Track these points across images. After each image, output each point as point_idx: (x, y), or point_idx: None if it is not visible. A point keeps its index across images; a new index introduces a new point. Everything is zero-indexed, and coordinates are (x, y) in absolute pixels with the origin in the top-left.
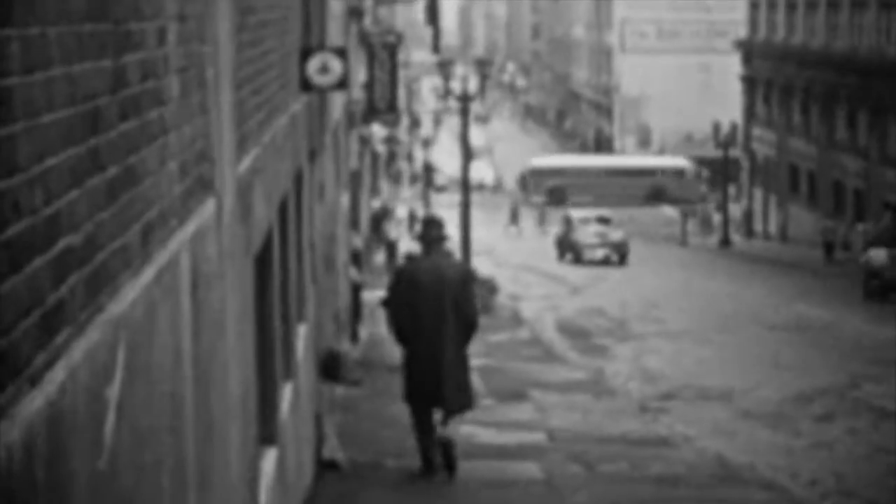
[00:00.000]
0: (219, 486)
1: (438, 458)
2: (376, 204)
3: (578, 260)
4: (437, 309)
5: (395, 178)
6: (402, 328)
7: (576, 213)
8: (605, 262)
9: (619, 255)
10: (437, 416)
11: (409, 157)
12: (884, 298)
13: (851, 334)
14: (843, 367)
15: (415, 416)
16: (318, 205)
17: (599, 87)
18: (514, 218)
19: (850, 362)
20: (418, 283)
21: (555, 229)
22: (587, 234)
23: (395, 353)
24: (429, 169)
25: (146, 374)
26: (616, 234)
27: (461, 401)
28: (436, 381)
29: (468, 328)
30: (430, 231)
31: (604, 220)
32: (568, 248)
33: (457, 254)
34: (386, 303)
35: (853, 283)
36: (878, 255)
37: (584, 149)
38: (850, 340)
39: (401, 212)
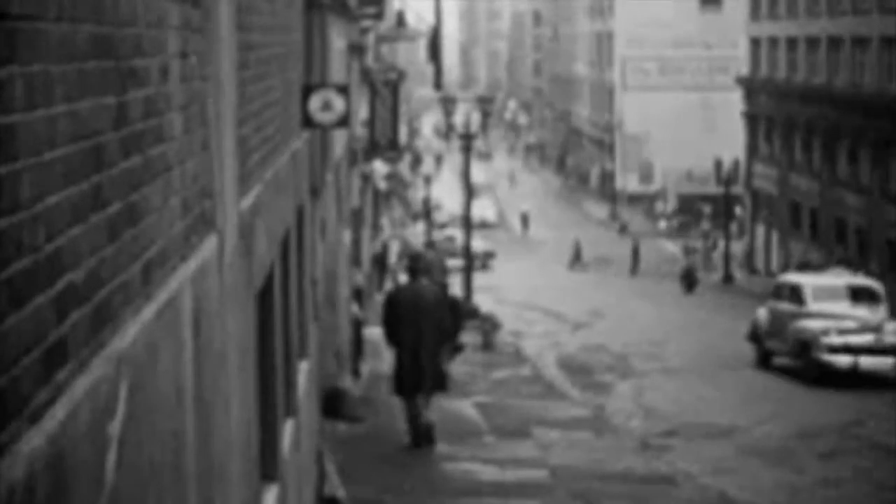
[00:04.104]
0: None
1: (423, 437)
2: (383, 238)
3: (810, 369)
4: (415, 324)
5: (409, 213)
6: (392, 337)
7: (809, 281)
8: (869, 376)
9: None
10: (424, 413)
11: (404, 197)
12: None
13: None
14: (847, 404)
15: (405, 403)
16: (320, 241)
17: (601, 124)
18: (578, 256)
19: (853, 399)
20: (401, 304)
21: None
22: (836, 324)
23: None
24: (428, 205)
25: (148, 411)
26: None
27: (436, 384)
28: (416, 375)
29: (443, 336)
30: (416, 264)
31: (866, 294)
32: (786, 342)
33: (457, 289)
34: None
35: None
36: None
37: (583, 185)
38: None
39: (396, 246)
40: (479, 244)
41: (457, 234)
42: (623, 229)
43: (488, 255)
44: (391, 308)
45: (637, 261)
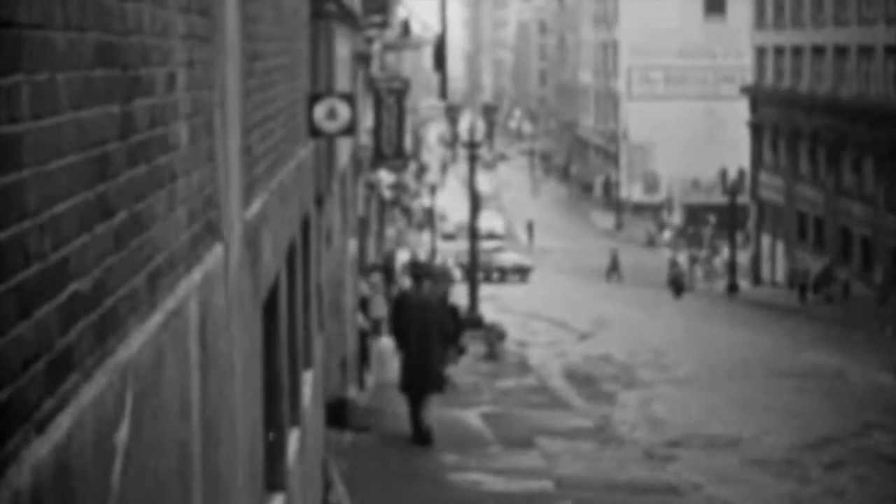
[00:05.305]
0: None
1: (423, 437)
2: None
3: None
4: (422, 326)
5: (411, 223)
6: (400, 340)
7: None
8: None
9: None
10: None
11: (405, 208)
12: None
13: (860, 381)
14: (852, 414)
15: (409, 401)
16: (326, 251)
17: (606, 133)
18: (615, 267)
19: (858, 410)
20: (408, 308)
21: None
22: None
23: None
24: (432, 215)
25: (154, 420)
26: None
27: (438, 386)
28: (421, 375)
29: (446, 338)
30: (418, 270)
31: None
32: None
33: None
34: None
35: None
36: None
37: (588, 194)
38: (858, 388)
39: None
40: (514, 258)
41: (501, 245)
42: (651, 241)
43: (524, 270)
44: (399, 312)
45: (616, 268)
